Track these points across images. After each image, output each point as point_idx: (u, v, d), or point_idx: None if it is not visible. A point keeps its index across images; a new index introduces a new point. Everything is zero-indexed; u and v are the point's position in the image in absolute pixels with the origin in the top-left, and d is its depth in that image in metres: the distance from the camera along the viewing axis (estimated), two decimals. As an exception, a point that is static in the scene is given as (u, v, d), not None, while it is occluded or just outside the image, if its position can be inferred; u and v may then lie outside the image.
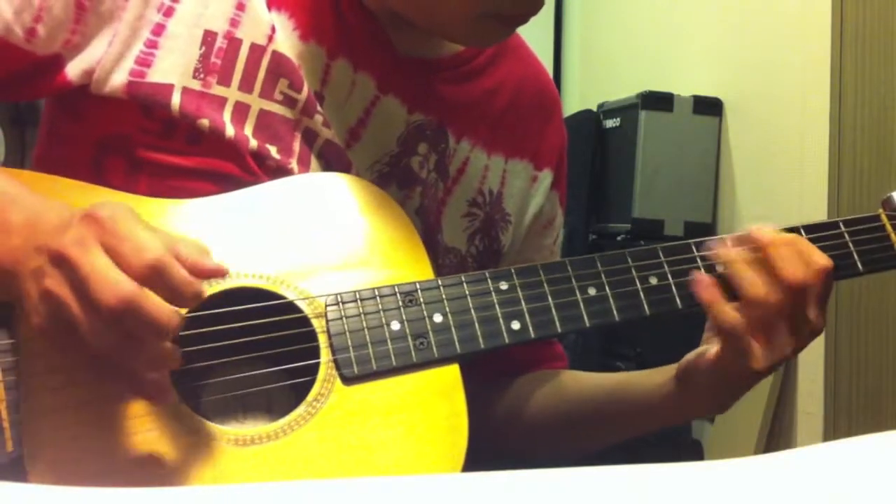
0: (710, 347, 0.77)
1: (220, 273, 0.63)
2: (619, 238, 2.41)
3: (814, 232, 0.79)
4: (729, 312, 0.74)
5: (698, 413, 0.82)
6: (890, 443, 0.51)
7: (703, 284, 0.75)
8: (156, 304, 0.58)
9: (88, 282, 0.57)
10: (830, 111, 1.98)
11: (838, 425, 1.96)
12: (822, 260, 0.75)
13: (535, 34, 0.89)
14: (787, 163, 2.18)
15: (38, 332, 0.60)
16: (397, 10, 0.79)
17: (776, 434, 2.13)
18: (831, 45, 1.98)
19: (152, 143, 0.75)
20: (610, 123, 2.53)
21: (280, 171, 0.77)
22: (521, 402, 0.94)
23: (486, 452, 0.71)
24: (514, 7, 0.75)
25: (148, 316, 0.58)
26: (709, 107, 2.41)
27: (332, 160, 0.80)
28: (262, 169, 0.77)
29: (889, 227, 0.81)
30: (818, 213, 1.99)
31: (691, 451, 2.23)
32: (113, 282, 0.57)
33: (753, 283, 0.73)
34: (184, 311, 0.61)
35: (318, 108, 0.79)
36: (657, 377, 0.83)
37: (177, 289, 0.59)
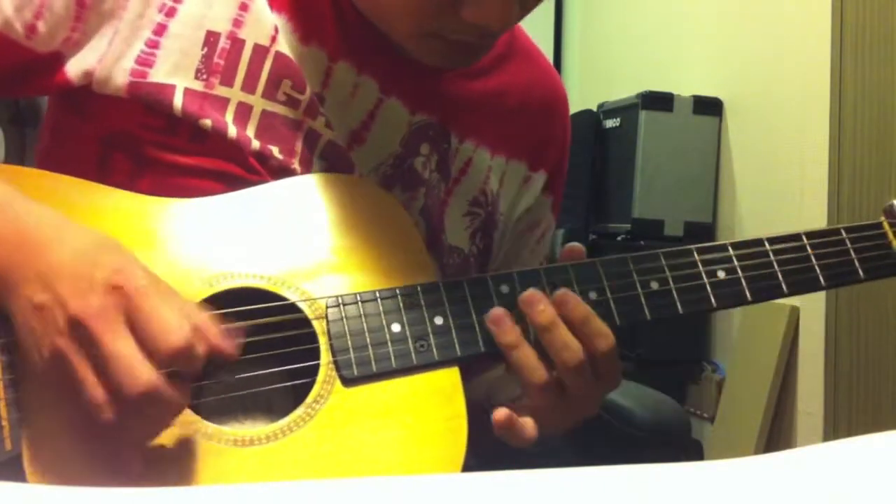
0: (522, 399, 0.73)
1: (232, 358, 0.63)
2: (619, 238, 2.41)
3: (815, 238, 0.79)
4: (539, 367, 0.70)
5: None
6: (890, 443, 0.51)
7: (503, 326, 0.71)
8: (175, 394, 0.58)
9: (110, 366, 0.57)
10: (830, 111, 1.98)
11: (838, 425, 1.96)
12: (602, 343, 0.71)
13: (535, 34, 0.89)
14: (787, 163, 2.18)
15: (35, 374, 0.59)
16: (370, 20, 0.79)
17: (776, 434, 2.13)
18: (831, 45, 1.98)
19: (156, 141, 0.75)
20: (610, 123, 2.54)
21: (283, 170, 0.77)
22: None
23: (485, 453, 0.71)
24: (457, 32, 0.74)
25: (166, 406, 0.58)
26: (709, 107, 2.41)
27: (335, 161, 0.80)
28: (265, 168, 0.77)
29: (891, 235, 0.82)
30: (818, 212, 1.99)
31: (691, 451, 2.24)
32: (137, 373, 0.57)
33: (568, 347, 0.70)
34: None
35: (321, 109, 0.79)
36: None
37: (195, 373, 0.60)
